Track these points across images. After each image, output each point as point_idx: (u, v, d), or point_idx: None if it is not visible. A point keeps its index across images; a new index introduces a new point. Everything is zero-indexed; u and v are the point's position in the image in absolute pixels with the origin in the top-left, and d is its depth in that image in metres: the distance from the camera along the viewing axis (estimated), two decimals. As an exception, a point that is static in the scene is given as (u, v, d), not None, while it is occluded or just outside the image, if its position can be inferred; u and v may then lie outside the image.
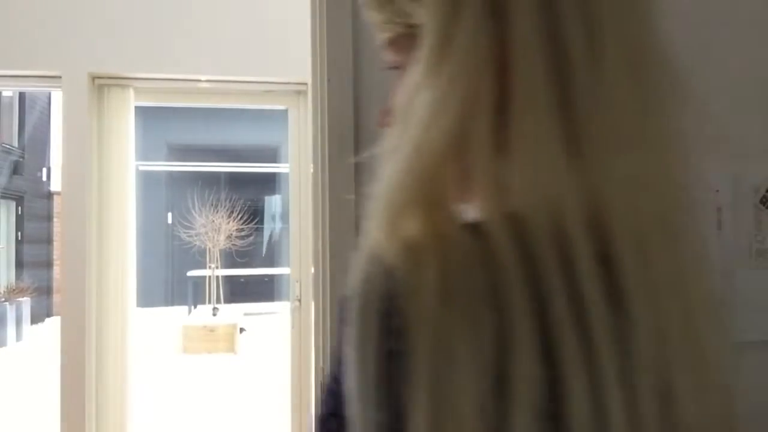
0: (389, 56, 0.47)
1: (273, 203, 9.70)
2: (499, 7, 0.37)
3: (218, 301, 7.95)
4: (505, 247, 0.34)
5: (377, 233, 0.37)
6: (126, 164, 1.87)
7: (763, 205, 1.67)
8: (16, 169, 9.18)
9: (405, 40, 0.44)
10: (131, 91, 1.86)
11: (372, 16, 0.48)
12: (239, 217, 8.38)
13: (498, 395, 0.32)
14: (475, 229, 0.36)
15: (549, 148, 0.36)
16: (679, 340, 0.37)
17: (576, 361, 0.33)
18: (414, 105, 0.39)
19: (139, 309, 1.95)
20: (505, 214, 0.35)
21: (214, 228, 8.12)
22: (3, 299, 7.13)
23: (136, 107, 1.91)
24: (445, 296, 0.33)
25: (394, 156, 0.38)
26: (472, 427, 0.32)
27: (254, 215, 8.87)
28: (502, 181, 0.36)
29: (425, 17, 0.39)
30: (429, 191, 0.37)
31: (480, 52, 0.37)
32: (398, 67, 0.47)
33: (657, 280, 0.36)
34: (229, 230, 8.24)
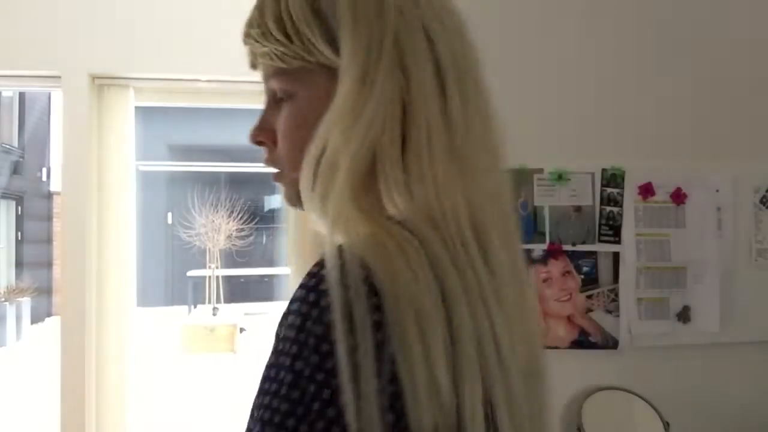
0: (280, 85, 0.57)
1: (273, 203, 9.71)
2: (403, 63, 0.52)
3: (218, 301, 7.96)
4: (432, 238, 0.48)
5: (338, 234, 0.49)
6: (126, 164, 1.87)
7: (763, 205, 1.67)
8: (16, 169, 9.19)
9: (303, 73, 0.55)
10: (131, 91, 1.86)
11: (273, 48, 0.56)
12: (239, 217, 8.39)
13: (451, 340, 0.45)
14: (404, 226, 0.49)
15: (442, 169, 0.51)
16: (515, 302, 0.53)
17: (462, 302, 0.47)
18: (337, 133, 0.50)
19: (139, 309, 1.95)
20: (418, 214, 0.50)
21: (214, 228, 8.13)
22: (3, 299, 7.13)
23: (136, 107, 1.91)
24: (414, 276, 0.45)
25: (330, 172, 0.50)
26: (445, 363, 0.44)
27: (254, 215, 8.88)
28: (409, 191, 0.50)
29: (347, 61, 0.52)
30: (367, 199, 0.51)
31: (393, 94, 0.51)
32: (286, 96, 0.57)
33: (513, 259, 0.54)
34: (229, 230, 8.24)
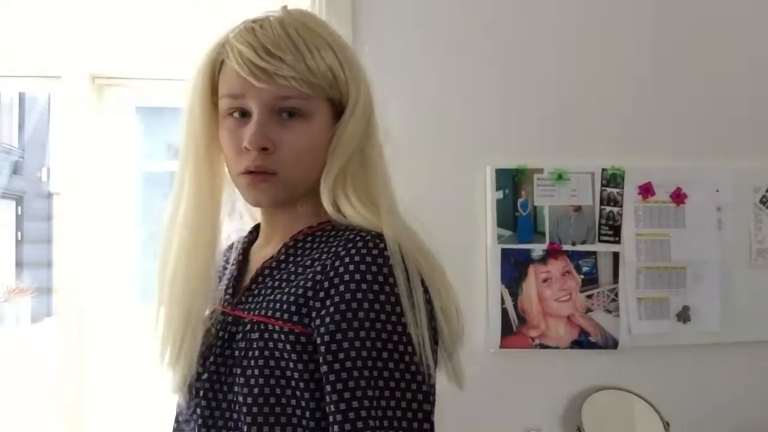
0: (299, 104, 0.71)
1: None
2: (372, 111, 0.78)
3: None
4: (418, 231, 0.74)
5: (378, 225, 0.70)
6: (126, 164, 1.87)
7: (763, 205, 1.67)
8: (16, 169, 9.18)
9: (319, 101, 0.72)
10: (131, 91, 1.86)
11: (306, 76, 0.70)
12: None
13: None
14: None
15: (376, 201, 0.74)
16: None
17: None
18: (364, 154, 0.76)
19: (139, 309, 1.95)
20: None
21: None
22: (3, 299, 7.12)
23: (136, 107, 1.91)
24: (426, 252, 0.72)
25: (375, 179, 0.75)
26: (457, 305, 0.73)
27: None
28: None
29: (356, 105, 0.75)
30: (393, 200, 0.76)
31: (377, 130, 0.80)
32: (299, 114, 0.72)
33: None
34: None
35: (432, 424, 0.65)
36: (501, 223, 1.55)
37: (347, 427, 0.62)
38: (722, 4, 1.68)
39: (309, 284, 0.68)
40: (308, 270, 0.70)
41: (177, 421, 0.81)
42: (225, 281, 0.80)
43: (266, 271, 0.75)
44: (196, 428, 0.73)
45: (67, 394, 1.73)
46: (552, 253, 1.56)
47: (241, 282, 0.79)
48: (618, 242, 1.59)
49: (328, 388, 0.64)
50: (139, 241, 1.93)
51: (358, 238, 0.68)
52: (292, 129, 0.71)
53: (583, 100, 1.61)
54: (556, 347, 1.56)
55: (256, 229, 0.86)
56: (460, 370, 0.74)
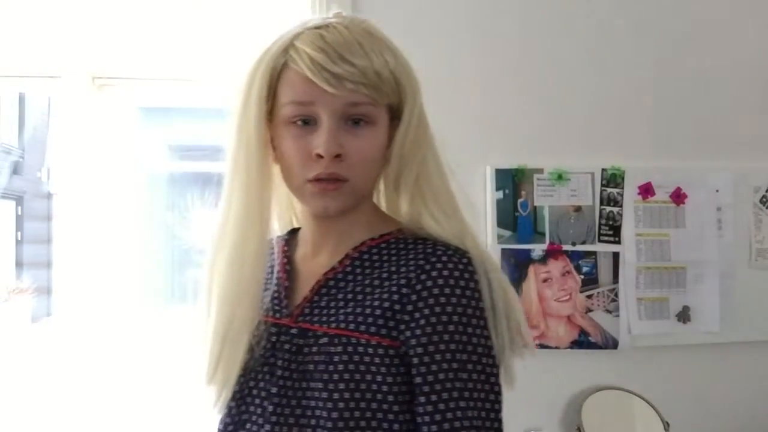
0: (369, 111, 0.71)
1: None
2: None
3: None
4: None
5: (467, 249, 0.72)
6: (126, 164, 1.86)
7: (763, 205, 1.67)
8: (16, 169, 9.16)
9: (382, 108, 0.72)
10: (131, 91, 1.86)
11: (378, 84, 0.70)
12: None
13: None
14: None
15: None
16: None
17: None
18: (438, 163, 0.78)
19: (139, 309, 1.95)
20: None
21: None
22: (3, 299, 7.12)
23: (136, 107, 1.91)
24: (497, 267, 0.75)
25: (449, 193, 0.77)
26: (523, 319, 0.75)
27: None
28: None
29: (412, 112, 0.75)
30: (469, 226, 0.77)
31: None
32: (368, 120, 0.71)
33: None
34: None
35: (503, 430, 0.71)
36: (501, 223, 1.55)
37: None
38: (722, 4, 1.68)
39: (395, 297, 0.68)
40: (386, 282, 0.70)
41: None
42: (271, 291, 0.77)
43: (330, 283, 0.74)
44: None
45: (67, 394, 1.73)
46: (552, 253, 1.56)
47: (292, 292, 0.77)
48: (618, 242, 1.59)
49: (422, 399, 0.66)
50: (138, 241, 1.93)
51: (440, 251, 0.70)
52: (359, 135, 0.70)
53: (583, 101, 1.61)
54: (556, 347, 1.56)
55: (290, 234, 0.84)
56: (514, 372, 0.78)
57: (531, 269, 1.55)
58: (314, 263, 0.77)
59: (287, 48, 0.72)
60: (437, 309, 0.67)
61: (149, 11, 1.81)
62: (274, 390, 0.71)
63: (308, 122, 0.70)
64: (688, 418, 1.58)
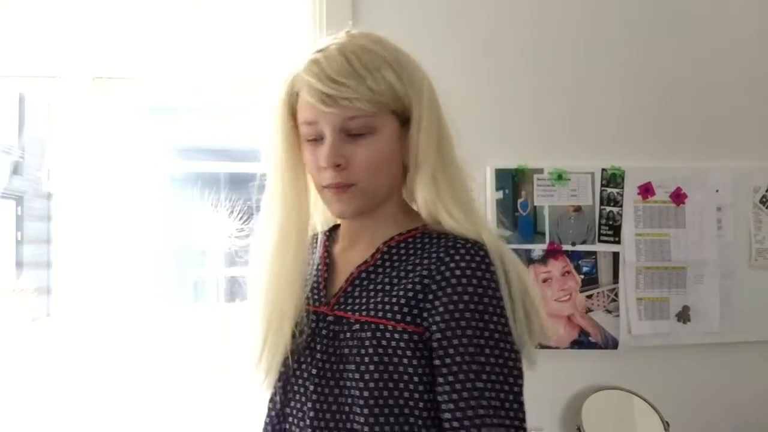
0: (364, 123, 0.78)
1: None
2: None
3: (218, 301, 7.94)
4: None
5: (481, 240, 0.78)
6: (126, 164, 1.86)
7: (763, 205, 1.67)
8: (16, 169, 9.16)
9: (383, 115, 0.80)
10: (132, 91, 1.86)
11: (368, 96, 0.77)
12: (239, 217, 8.37)
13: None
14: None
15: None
16: None
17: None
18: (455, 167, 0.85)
19: (139, 309, 1.95)
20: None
21: (214, 228, 8.12)
22: (2, 299, 7.11)
23: (136, 107, 1.91)
24: (515, 259, 0.80)
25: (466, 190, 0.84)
26: (540, 308, 0.82)
27: (254, 215, 8.86)
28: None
29: (421, 116, 0.83)
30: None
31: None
32: (366, 131, 0.79)
33: None
34: (229, 230, 8.23)
35: (524, 411, 0.77)
36: (501, 223, 1.55)
37: (458, 414, 0.72)
38: (723, 4, 1.68)
39: (418, 287, 0.76)
40: (411, 274, 0.78)
41: (270, 416, 0.87)
42: (312, 281, 0.88)
43: (363, 275, 0.83)
44: (308, 420, 0.79)
45: (66, 394, 1.73)
46: (552, 253, 1.56)
47: (330, 283, 0.87)
48: (618, 242, 1.59)
49: (441, 380, 0.73)
50: (138, 242, 1.93)
51: (459, 245, 0.77)
52: (361, 144, 0.79)
53: (583, 101, 1.61)
54: (557, 347, 1.56)
55: (332, 230, 0.94)
56: (534, 356, 0.84)
57: (531, 269, 1.55)
58: (350, 256, 0.87)
59: (296, 76, 0.82)
60: (455, 297, 0.73)
61: (150, 11, 1.81)
62: (314, 371, 0.80)
63: (318, 139, 0.80)
64: (688, 418, 1.58)
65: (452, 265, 0.75)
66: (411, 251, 0.81)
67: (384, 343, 0.76)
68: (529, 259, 1.55)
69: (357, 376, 0.76)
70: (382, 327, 0.76)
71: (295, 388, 0.82)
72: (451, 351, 0.73)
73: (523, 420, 0.76)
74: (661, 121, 1.64)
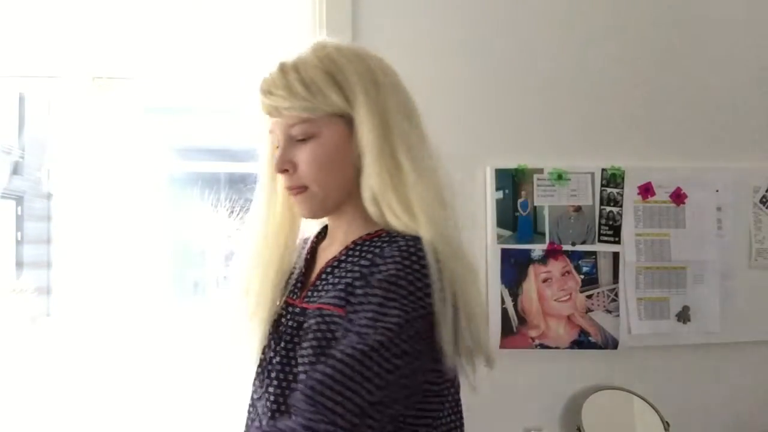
0: (304, 129, 0.85)
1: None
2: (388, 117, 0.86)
3: (218, 301, 7.94)
4: None
5: (418, 233, 0.80)
6: (126, 164, 1.86)
7: (763, 205, 1.67)
8: (16, 169, 9.16)
9: (325, 120, 0.85)
10: (132, 91, 1.86)
11: (302, 104, 0.84)
12: (239, 217, 8.37)
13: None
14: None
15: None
16: None
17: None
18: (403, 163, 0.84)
19: (139, 309, 1.95)
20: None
21: (214, 228, 8.11)
22: (2, 299, 7.10)
23: (136, 107, 1.91)
24: (462, 260, 0.82)
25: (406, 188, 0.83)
26: (485, 317, 0.86)
27: (254, 215, 8.85)
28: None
29: (364, 117, 0.84)
30: (435, 204, 0.84)
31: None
32: (308, 137, 0.85)
33: None
34: (229, 230, 8.22)
35: (366, 411, 0.71)
36: (501, 223, 1.55)
37: (300, 385, 0.75)
38: (723, 4, 1.68)
39: (357, 275, 0.81)
40: (357, 267, 0.83)
41: (252, 398, 0.94)
42: (294, 276, 0.94)
43: (329, 269, 0.88)
44: (268, 404, 0.85)
45: (66, 394, 1.73)
46: (552, 253, 1.56)
47: (309, 277, 0.93)
48: (618, 242, 1.59)
49: (303, 350, 0.81)
50: (138, 242, 1.93)
51: (399, 238, 0.80)
52: (303, 149, 0.86)
53: (583, 100, 1.61)
54: (556, 347, 1.56)
55: (325, 229, 1.00)
56: (475, 374, 0.85)
57: (531, 269, 1.55)
58: (327, 253, 0.93)
59: None
60: (373, 282, 0.77)
61: (149, 11, 1.81)
62: (277, 359, 0.86)
63: (279, 146, 0.88)
64: (688, 418, 1.58)
65: (385, 254, 0.79)
66: (369, 248, 0.85)
67: (323, 327, 0.80)
68: (529, 259, 1.55)
69: (305, 360, 0.81)
70: (325, 312, 0.81)
71: (265, 373, 0.88)
72: (343, 331, 0.76)
73: (355, 422, 0.70)
74: (661, 121, 1.64)
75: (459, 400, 0.89)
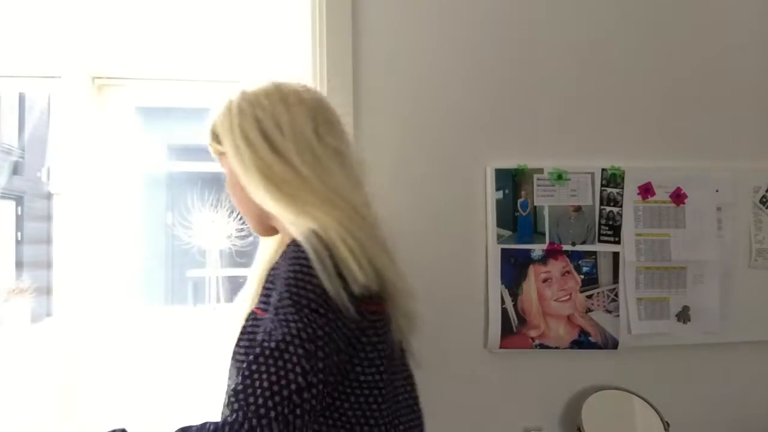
0: (221, 162, 1.08)
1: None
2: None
3: (218, 301, 7.94)
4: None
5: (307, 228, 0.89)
6: (126, 165, 1.86)
7: (763, 205, 1.67)
8: (16, 169, 9.15)
9: (223, 158, 1.08)
10: (131, 91, 1.86)
11: (215, 146, 1.08)
12: (239, 217, 8.35)
13: None
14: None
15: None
16: None
17: None
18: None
19: (139, 309, 1.95)
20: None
21: (214, 228, 8.11)
22: (3, 299, 7.11)
23: (136, 107, 1.91)
24: (352, 241, 0.88)
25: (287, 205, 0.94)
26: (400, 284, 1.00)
27: (254, 215, 8.81)
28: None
29: (232, 156, 1.03)
30: (311, 202, 0.95)
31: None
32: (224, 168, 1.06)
33: None
34: (229, 230, 8.22)
35: (295, 411, 0.77)
36: (501, 223, 1.55)
37: (238, 388, 0.80)
38: (724, 4, 1.68)
39: (272, 279, 0.93)
40: (275, 271, 0.94)
41: None
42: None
43: (269, 277, 0.98)
44: (224, 402, 0.96)
45: (66, 394, 1.73)
46: (552, 253, 1.56)
47: None
48: (618, 242, 1.59)
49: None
50: (138, 242, 1.93)
51: (289, 247, 0.90)
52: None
53: (583, 100, 1.61)
54: (556, 347, 1.56)
55: None
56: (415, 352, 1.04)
57: (531, 269, 1.55)
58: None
59: None
60: (279, 286, 0.86)
61: (149, 11, 1.81)
62: (231, 363, 0.96)
63: None
64: (688, 418, 1.58)
65: (287, 257, 0.89)
66: (284, 254, 0.94)
67: (249, 329, 0.93)
68: (529, 259, 1.55)
69: (240, 358, 0.92)
70: (255, 315, 0.94)
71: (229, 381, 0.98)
72: (263, 326, 0.86)
73: (267, 415, 0.76)
74: (660, 121, 1.64)
75: (403, 395, 0.99)
